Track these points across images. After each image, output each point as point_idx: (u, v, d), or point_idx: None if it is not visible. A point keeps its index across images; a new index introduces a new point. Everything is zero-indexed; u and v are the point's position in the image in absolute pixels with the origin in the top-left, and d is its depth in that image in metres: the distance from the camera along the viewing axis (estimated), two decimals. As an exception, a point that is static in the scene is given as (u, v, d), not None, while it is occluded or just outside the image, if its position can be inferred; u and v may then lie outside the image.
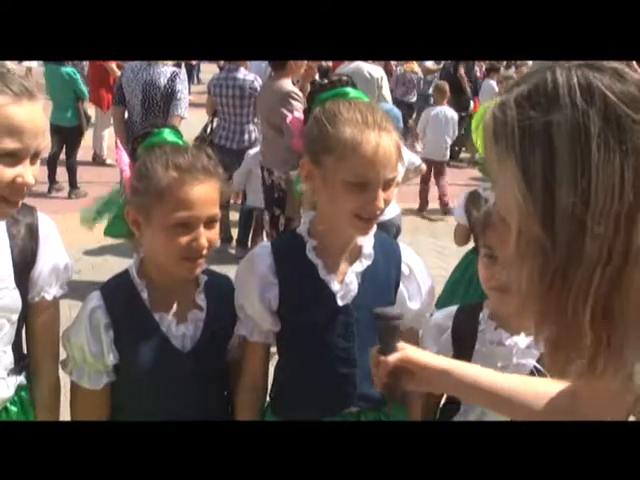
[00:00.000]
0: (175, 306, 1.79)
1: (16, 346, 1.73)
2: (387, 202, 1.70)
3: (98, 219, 1.83)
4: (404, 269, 1.85)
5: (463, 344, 1.85)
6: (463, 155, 12.13)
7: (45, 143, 1.55)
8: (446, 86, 9.61)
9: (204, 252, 1.72)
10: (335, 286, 1.78)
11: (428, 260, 1.96)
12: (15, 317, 1.69)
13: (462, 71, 12.15)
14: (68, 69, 8.67)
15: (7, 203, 1.52)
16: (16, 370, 1.73)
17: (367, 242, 1.82)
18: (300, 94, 5.68)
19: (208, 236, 1.71)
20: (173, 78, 5.70)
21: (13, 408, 1.74)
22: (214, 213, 1.73)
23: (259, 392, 1.88)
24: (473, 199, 3.91)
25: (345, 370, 1.78)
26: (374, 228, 1.83)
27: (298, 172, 1.80)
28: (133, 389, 1.79)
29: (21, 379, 1.75)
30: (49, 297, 1.76)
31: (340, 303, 1.78)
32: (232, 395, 1.89)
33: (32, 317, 1.76)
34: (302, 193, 1.85)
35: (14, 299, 1.68)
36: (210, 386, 1.83)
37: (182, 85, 5.76)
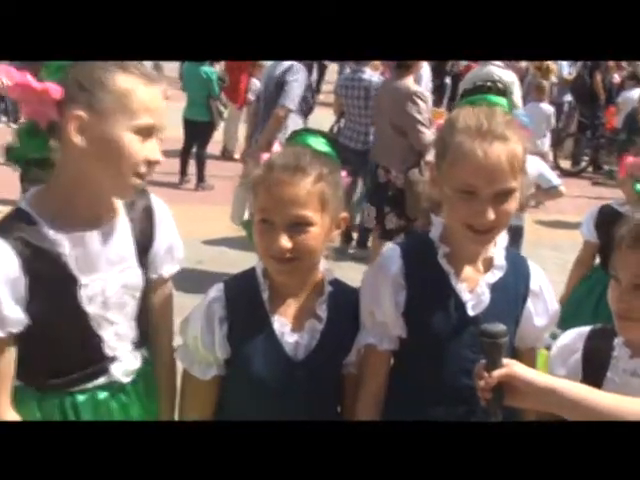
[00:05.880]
0: (294, 312, 1.77)
1: (140, 322, 1.80)
2: (505, 214, 1.65)
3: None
4: (534, 287, 1.80)
5: (594, 369, 1.75)
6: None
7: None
8: (546, 84, 9.87)
9: (286, 255, 1.66)
10: (466, 295, 1.75)
11: (550, 275, 1.88)
12: (138, 294, 1.77)
13: (598, 78, 11.71)
14: (206, 68, 8.98)
15: (139, 177, 1.63)
16: (141, 344, 1.80)
17: (498, 253, 1.79)
18: (426, 94, 5.61)
19: (298, 240, 1.66)
20: (286, 71, 5.64)
21: (138, 379, 1.80)
22: (298, 215, 1.65)
23: (382, 404, 1.82)
24: (605, 214, 3.72)
25: (469, 382, 1.70)
26: (504, 239, 1.79)
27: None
28: (239, 388, 1.79)
29: (144, 353, 1.82)
30: (166, 275, 1.84)
31: (471, 313, 1.74)
32: (347, 409, 1.85)
33: (150, 294, 1.82)
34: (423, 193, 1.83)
35: (138, 277, 1.76)
36: (319, 399, 1.77)
37: (293, 77, 5.62)
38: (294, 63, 5.69)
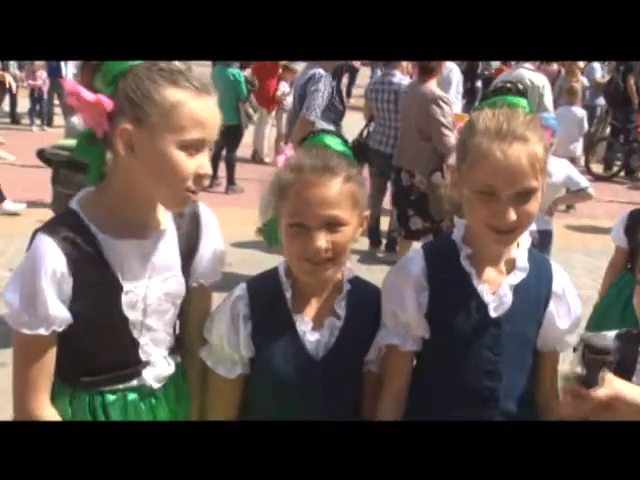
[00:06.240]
0: (315, 311, 1.78)
1: (174, 328, 1.81)
2: (527, 215, 1.65)
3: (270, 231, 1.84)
4: (557, 289, 1.79)
5: (619, 374, 1.72)
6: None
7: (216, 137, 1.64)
8: (578, 87, 9.75)
9: (323, 256, 1.67)
10: (488, 297, 1.74)
11: (580, 280, 1.88)
12: (179, 302, 1.78)
13: (632, 81, 11.58)
14: (234, 70, 9.02)
15: (190, 191, 1.60)
16: (175, 350, 1.81)
17: (521, 254, 1.78)
18: (450, 98, 5.59)
19: (333, 240, 1.66)
20: (308, 80, 5.62)
21: (169, 384, 1.80)
22: (331, 215, 1.66)
23: (403, 405, 1.82)
24: (634, 219, 3.68)
25: (489, 383, 1.74)
26: (527, 241, 1.79)
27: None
28: (262, 387, 1.80)
29: (178, 359, 1.83)
30: (206, 283, 1.83)
31: (493, 315, 1.74)
32: (368, 408, 1.84)
33: (189, 301, 1.82)
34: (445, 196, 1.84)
35: (181, 285, 1.76)
36: (339, 398, 1.78)
37: (313, 87, 5.61)
38: (315, 72, 5.69)
